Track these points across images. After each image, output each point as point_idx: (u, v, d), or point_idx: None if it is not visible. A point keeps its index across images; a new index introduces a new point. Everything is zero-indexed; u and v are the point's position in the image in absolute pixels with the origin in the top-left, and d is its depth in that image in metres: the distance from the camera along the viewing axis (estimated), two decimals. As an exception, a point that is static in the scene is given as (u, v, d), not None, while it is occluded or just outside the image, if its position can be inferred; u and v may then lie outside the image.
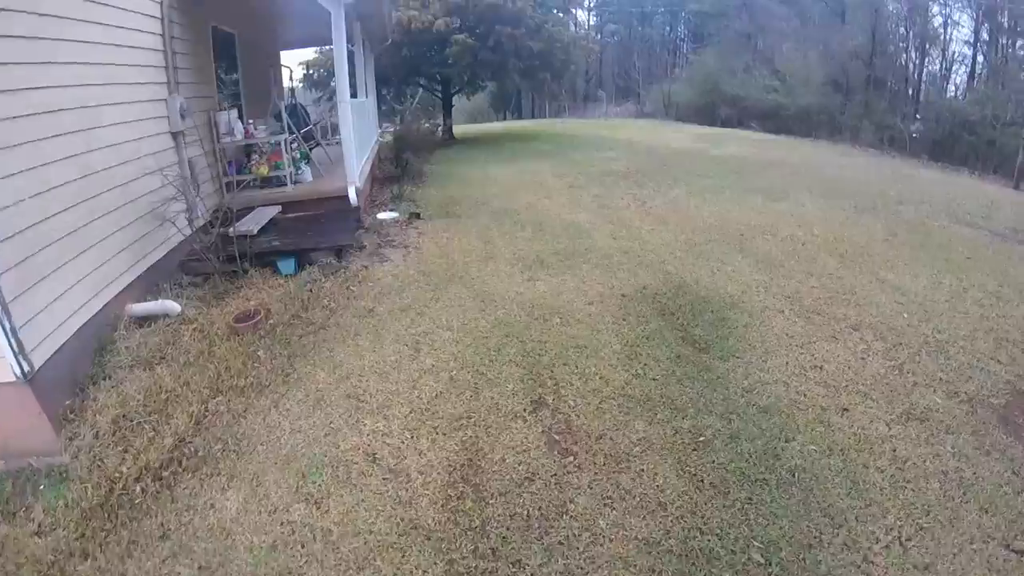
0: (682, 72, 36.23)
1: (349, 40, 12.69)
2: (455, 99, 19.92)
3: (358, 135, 7.53)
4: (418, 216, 7.27)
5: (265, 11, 8.49)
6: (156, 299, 4.90)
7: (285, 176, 7.05)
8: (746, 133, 19.31)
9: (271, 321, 4.69)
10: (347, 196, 6.65)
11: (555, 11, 17.80)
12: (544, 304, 4.81)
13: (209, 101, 6.74)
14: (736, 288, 5.15)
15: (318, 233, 6.14)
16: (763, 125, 23.45)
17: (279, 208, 6.79)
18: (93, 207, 4.23)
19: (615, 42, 43.17)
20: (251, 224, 6.14)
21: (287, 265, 5.65)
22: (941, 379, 3.81)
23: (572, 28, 22.60)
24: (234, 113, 6.83)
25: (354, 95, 10.58)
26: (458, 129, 19.93)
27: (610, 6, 45.12)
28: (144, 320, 4.63)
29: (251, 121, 7.06)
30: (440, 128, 17.92)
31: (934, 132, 21.53)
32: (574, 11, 29.90)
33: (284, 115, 7.31)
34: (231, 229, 5.93)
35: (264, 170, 6.96)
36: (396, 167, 10.23)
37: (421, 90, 20.35)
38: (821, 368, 3.94)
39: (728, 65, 29.93)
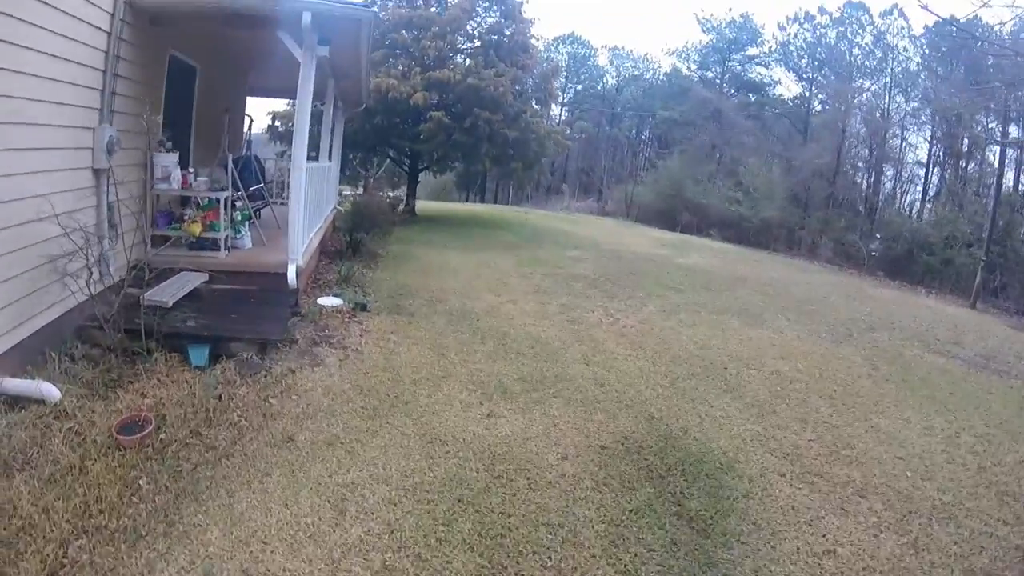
0: (645, 175, 37.31)
1: (320, 98, 11.98)
2: (422, 175, 19.46)
3: (311, 204, 6.68)
4: (365, 308, 6.33)
5: (237, 50, 7.75)
6: (34, 378, 3.85)
7: (219, 240, 6.04)
8: (706, 241, 19.45)
9: (163, 435, 3.62)
10: (286, 274, 5.68)
11: (534, 102, 17.85)
12: (508, 455, 3.88)
13: (147, 139, 5.78)
14: (730, 443, 4.41)
15: (244, 317, 5.12)
16: (722, 233, 23.87)
17: (206, 277, 5.74)
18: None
19: (582, 138, 44.60)
20: (167, 294, 5.07)
21: (199, 355, 4.58)
22: (956, 554, 3.41)
23: (547, 121, 22.74)
24: (174, 157, 5.85)
25: (315, 157, 9.89)
26: (421, 205, 19.33)
27: (583, 104, 46.95)
28: (15, 401, 3.65)
29: (191, 169, 6.08)
30: (403, 203, 17.28)
31: (892, 250, 22.25)
32: (553, 105, 30.51)
33: (230, 168, 6.38)
34: (143, 296, 4.89)
35: (196, 229, 5.94)
36: (348, 246, 9.31)
37: (389, 160, 19.86)
38: (834, 553, 3.31)
39: (692, 172, 30.90)
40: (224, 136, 6.49)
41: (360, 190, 18.39)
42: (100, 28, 4.60)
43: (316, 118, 16.11)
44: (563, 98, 44.48)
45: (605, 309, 7.60)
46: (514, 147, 15.49)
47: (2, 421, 3.46)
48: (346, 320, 5.95)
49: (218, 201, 6.01)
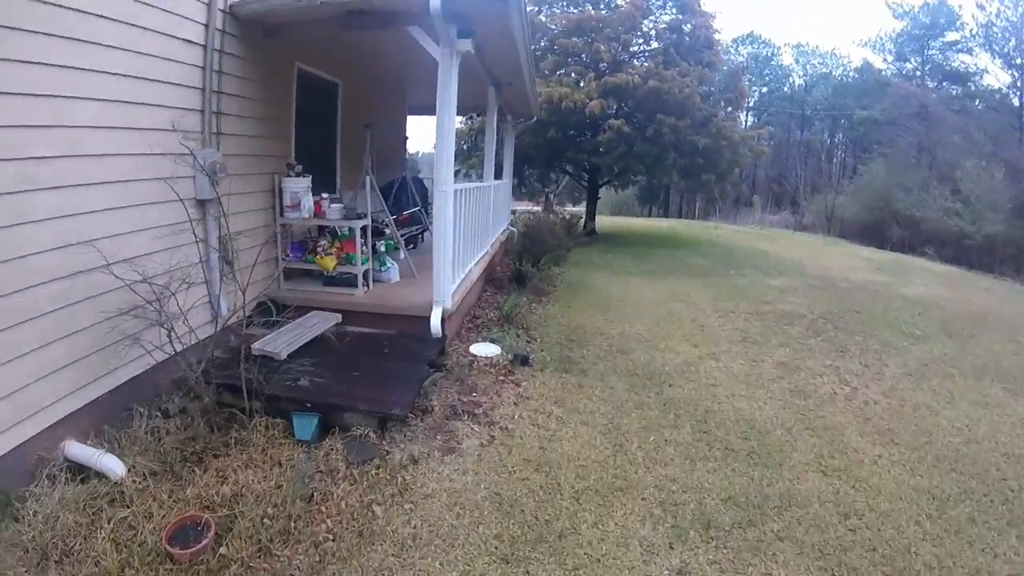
0: (846, 183, 32.27)
1: (477, 110, 11.17)
2: (603, 189, 18.00)
3: (468, 231, 5.60)
4: (526, 362, 5.03)
5: (382, 62, 7.04)
6: (103, 445, 3.19)
7: (355, 276, 5.18)
8: (924, 263, 15.47)
9: (224, 550, 2.61)
10: (430, 318, 4.63)
11: (723, 104, 15.61)
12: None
13: (276, 162, 5.12)
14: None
15: (370, 375, 4.10)
16: (940, 253, 19.28)
17: (338, 319, 4.91)
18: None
19: (771, 145, 40.17)
20: (280, 343, 4.26)
21: (304, 427, 3.61)
22: None
23: (739, 126, 20.16)
24: (305, 182, 5.12)
25: (480, 177, 8.96)
26: (601, 222, 17.81)
27: (769, 107, 42.52)
28: (81, 470, 3.05)
29: (324, 195, 5.32)
30: (582, 220, 15.91)
31: None
32: (744, 107, 27.47)
33: (368, 190, 5.54)
34: (251, 345, 4.13)
35: (329, 263, 5.16)
36: (513, 278, 8.01)
37: (567, 176, 18.72)
38: None
39: (900, 179, 25.88)
40: (366, 156, 5.64)
41: (540, 207, 17.37)
42: (192, 41, 3.91)
43: (478, 133, 15.76)
44: (748, 102, 40.58)
45: (836, 372, 5.53)
46: (704, 155, 13.36)
47: (55, 495, 2.82)
48: (500, 379, 4.71)
49: (353, 231, 5.17)
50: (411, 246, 7.39)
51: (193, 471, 3.16)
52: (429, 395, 4.23)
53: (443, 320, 4.67)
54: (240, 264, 4.26)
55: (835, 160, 41.49)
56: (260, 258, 4.50)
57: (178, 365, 3.57)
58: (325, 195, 5.21)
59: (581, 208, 18.79)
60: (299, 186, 5.06)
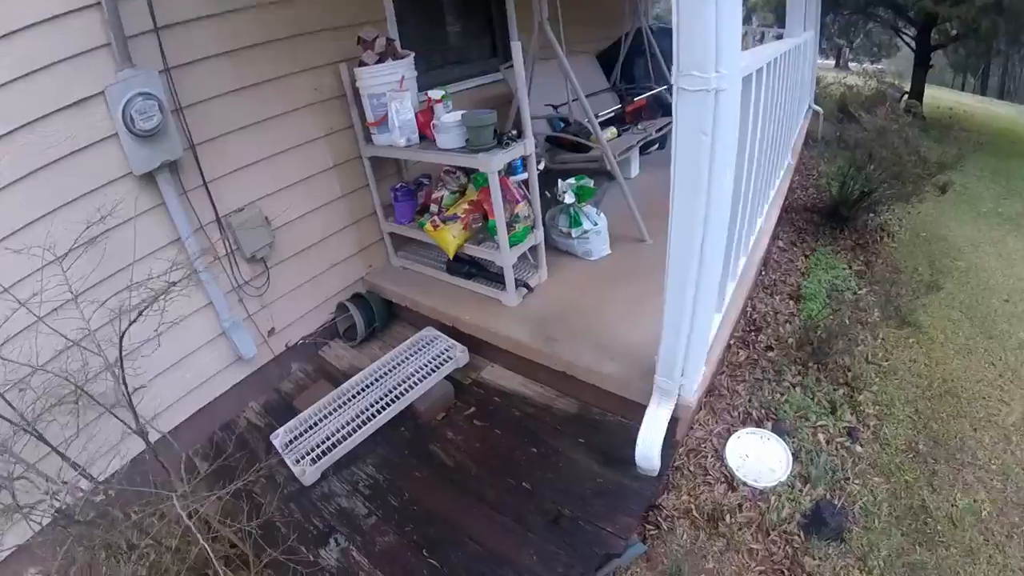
0: None
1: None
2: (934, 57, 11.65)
3: (759, 169, 2.34)
4: (836, 533, 1.80)
5: None
6: None
7: (502, 271, 2.48)
8: None
9: None
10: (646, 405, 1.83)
11: None
12: None
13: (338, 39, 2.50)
14: None
15: (496, 533, 1.56)
16: None
17: (462, 355, 2.39)
18: None
19: None
20: (311, 444, 1.92)
21: None
22: None
23: None
24: (399, 67, 2.40)
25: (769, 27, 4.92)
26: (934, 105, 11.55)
27: None
28: None
29: (438, 94, 2.46)
30: (902, 100, 10.13)
31: None
32: None
33: (521, 69, 2.53)
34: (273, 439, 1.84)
35: (448, 239, 2.50)
36: (830, 211, 4.17)
37: (884, 30, 12.72)
38: None
39: None
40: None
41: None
42: None
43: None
44: None
45: None
46: None
47: None
48: (781, 557, 1.75)
49: (514, 168, 2.37)
50: (648, 151, 4.29)
51: None
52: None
53: (670, 430, 1.80)
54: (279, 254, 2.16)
55: None
56: (331, 229, 2.14)
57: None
58: (439, 92, 2.39)
59: (881, 68, 12.82)
60: (386, 78, 2.35)
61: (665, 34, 4.76)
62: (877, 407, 2.41)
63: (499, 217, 2.31)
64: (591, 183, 2.81)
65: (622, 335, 2.27)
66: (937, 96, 13.25)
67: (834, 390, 2.44)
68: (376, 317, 2.79)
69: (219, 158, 2.20)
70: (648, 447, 1.80)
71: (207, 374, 2.33)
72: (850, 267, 3.62)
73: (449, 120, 2.29)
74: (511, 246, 2.42)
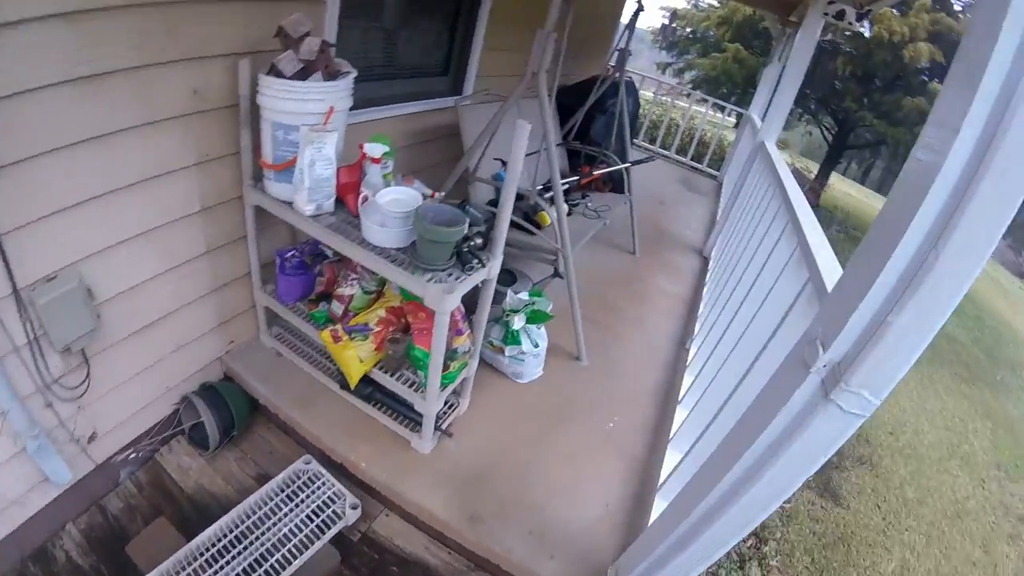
0: None
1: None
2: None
3: None
4: None
5: None
6: None
7: (424, 406, 1.83)
8: None
9: None
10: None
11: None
12: None
13: (241, 28, 1.69)
14: None
15: None
16: None
17: (356, 513, 1.74)
18: None
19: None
20: None
21: None
22: None
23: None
24: (330, 98, 1.62)
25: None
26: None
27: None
28: None
29: (378, 150, 1.69)
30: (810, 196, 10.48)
31: None
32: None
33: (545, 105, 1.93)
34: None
35: (350, 360, 1.80)
36: None
37: (803, 118, 13.34)
38: None
39: None
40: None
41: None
42: None
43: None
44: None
45: None
46: None
47: None
48: None
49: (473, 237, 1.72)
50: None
51: None
52: None
53: None
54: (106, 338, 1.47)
55: None
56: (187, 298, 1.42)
57: None
58: (380, 147, 1.63)
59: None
60: (306, 103, 1.56)
61: (631, 89, 4.31)
62: (779, 557, 2.59)
63: (435, 365, 1.65)
64: (548, 306, 2.22)
65: (562, 513, 1.84)
66: (837, 186, 14.48)
67: (743, 542, 2.54)
68: (235, 420, 2.01)
69: (23, 195, 1.31)
70: None
71: (8, 497, 1.50)
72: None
73: (391, 207, 1.54)
74: (441, 388, 1.78)
